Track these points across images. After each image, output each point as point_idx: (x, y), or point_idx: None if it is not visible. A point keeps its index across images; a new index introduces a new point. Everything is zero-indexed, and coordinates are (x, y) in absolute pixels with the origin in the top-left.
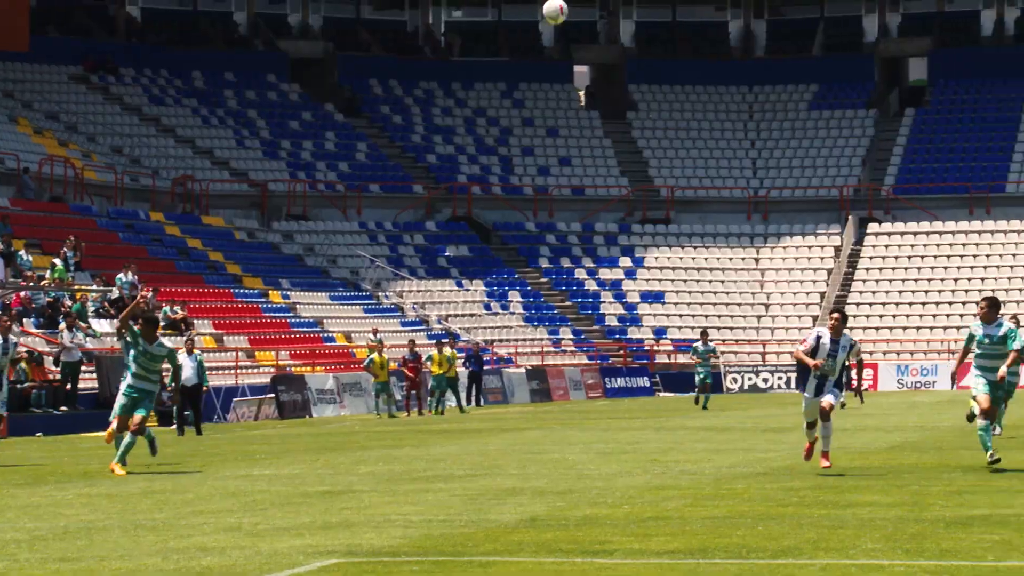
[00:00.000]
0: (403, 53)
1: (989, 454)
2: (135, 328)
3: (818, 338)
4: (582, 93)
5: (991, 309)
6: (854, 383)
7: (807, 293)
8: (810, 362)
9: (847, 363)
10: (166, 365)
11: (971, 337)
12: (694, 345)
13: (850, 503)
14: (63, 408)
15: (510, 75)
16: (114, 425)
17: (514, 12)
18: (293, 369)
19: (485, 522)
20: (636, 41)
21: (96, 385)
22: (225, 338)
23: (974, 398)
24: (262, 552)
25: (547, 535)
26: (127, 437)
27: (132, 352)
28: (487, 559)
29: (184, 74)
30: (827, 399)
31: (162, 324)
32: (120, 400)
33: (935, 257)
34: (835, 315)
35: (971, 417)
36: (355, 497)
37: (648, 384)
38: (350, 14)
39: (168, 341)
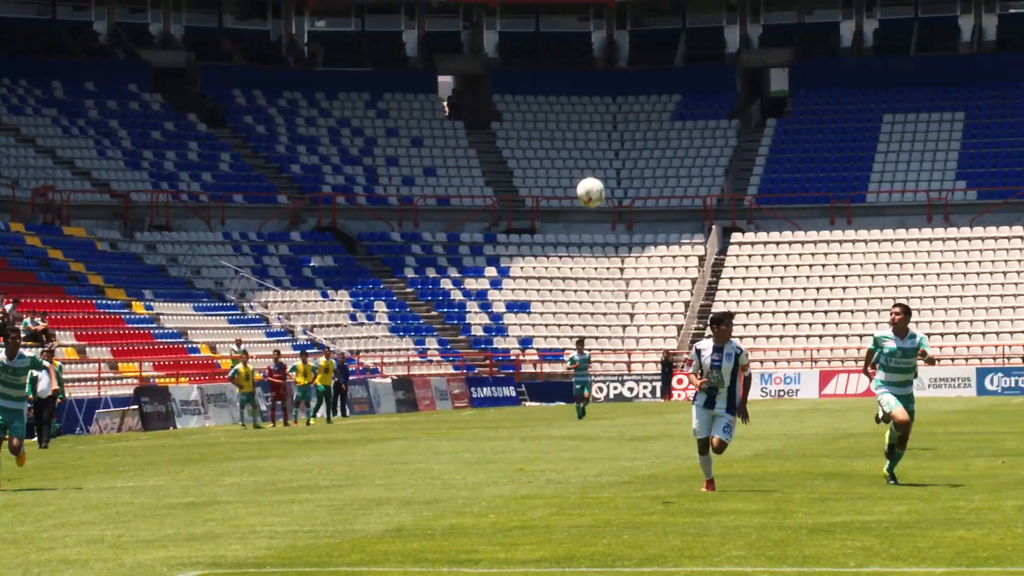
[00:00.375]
0: (266, 63)
1: (890, 473)
2: None
3: (698, 352)
4: (446, 103)
5: (906, 317)
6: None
7: (671, 303)
8: (696, 382)
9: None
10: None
11: (881, 348)
12: (571, 355)
13: (714, 511)
14: None
15: (374, 85)
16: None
17: (377, 22)
18: (157, 380)
19: (351, 532)
20: (500, 51)
21: None
22: (88, 349)
23: (888, 413)
24: (125, 564)
25: (413, 545)
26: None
27: None
28: (353, 569)
29: (44, 84)
30: (717, 436)
31: (23, 336)
32: None
33: (797, 267)
34: (722, 324)
35: (883, 419)
36: (220, 508)
37: (514, 394)
38: (212, 23)
39: (27, 351)
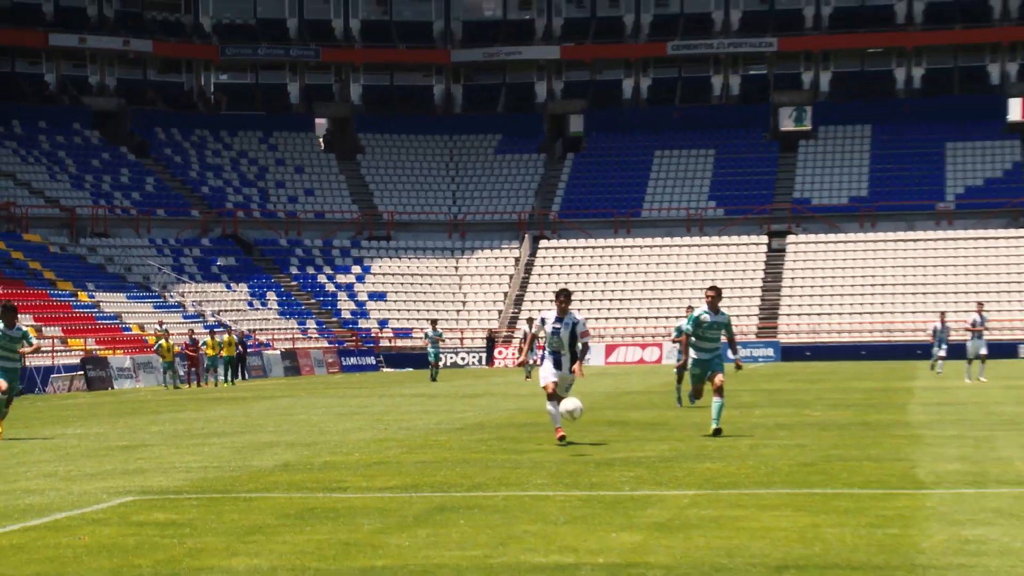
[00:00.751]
0: (181, 107)
1: (713, 428)
2: None
3: (543, 320)
4: (321, 140)
5: (717, 297)
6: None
7: (494, 293)
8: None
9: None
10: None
11: (699, 323)
12: (425, 331)
13: (525, 450)
14: None
15: (266, 125)
16: None
17: (268, 77)
18: (98, 352)
19: (248, 467)
20: (363, 100)
21: None
22: (43, 328)
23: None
24: (74, 492)
25: (296, 477)
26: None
27: None
28: (250, 495)
29: (6, 123)
30: (563, 396)
31: None
32: None
33: (590, 266)
34: (560, 298)
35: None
36: (147, 450)
37: (374, 362)
38: (139, 76)
39: (22, 325)
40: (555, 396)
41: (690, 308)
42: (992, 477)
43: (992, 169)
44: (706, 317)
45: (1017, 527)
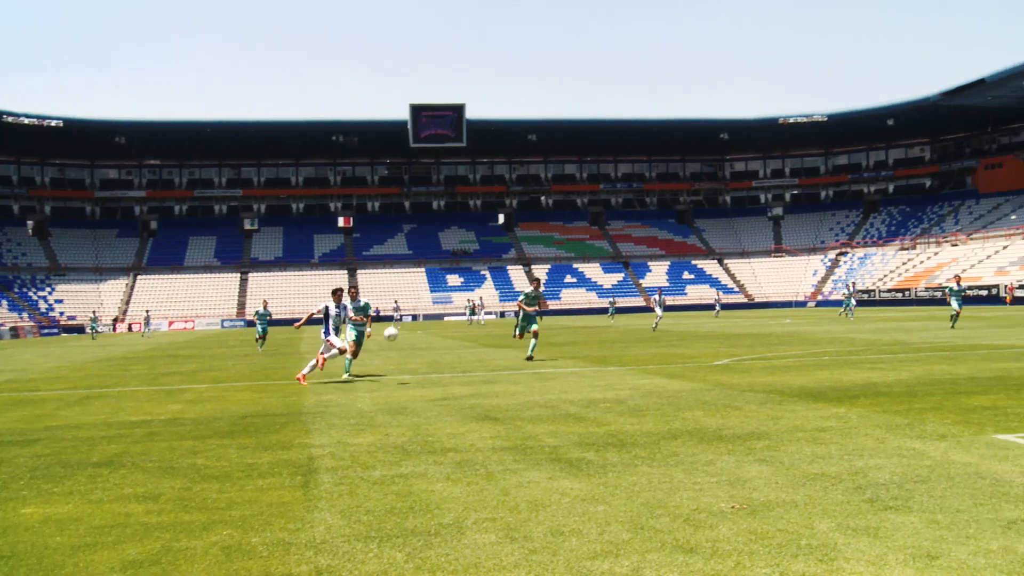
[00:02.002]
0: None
1: (345, 376)
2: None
3: (326, 307)
4: (30, 231)
5: (357, 292)
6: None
7: (118, 300)
8: (302, 320)
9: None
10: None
11: (348, 307)
12: (90, 317)
13: (130, 368)
14: None
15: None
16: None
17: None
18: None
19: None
20: (52, 213)
21: None
22: None
23: (390, 335)
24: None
25: (13, 386)
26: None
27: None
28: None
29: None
30: (354, 346)
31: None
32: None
33: (165, 288)
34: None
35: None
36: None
37: (57, 331)
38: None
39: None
40: (351, 352)
41: (261, 307)
42: (345, 372)
43: (331, 247)
44: (349, 304)
45: (345, 393)
